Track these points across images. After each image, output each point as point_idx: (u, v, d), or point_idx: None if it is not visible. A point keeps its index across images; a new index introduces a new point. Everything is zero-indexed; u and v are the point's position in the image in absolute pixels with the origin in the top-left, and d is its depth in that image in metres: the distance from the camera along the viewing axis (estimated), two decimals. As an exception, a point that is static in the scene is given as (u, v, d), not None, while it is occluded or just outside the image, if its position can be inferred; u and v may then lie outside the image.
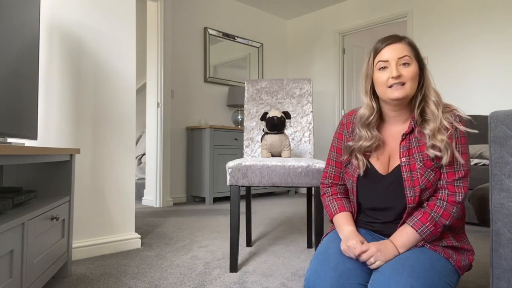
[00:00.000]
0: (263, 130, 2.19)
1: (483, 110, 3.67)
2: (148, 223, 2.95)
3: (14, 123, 1.43)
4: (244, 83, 4.29)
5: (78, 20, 2.06)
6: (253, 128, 2.33)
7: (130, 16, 2.25)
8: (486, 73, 3.73)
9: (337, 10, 5.07)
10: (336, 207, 1.22)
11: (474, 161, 3.14)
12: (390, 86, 1.08)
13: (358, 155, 1.16)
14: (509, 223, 0.88)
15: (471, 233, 2.66)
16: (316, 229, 1.79)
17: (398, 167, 1.12)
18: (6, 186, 1.58)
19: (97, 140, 2.11)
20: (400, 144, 1.12)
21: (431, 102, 1.09)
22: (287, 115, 2.02)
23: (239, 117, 4.68)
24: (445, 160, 1.05)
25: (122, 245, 2.16)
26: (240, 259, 2.00)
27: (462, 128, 1.06)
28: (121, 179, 2.20)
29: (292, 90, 2.36)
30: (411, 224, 1.07)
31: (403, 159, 1.10)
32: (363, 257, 1.03)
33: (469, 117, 1.10)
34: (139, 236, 2.26)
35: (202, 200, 4.32)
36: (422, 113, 1.11)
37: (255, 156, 2.26)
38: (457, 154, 1.05)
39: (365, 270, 1.04)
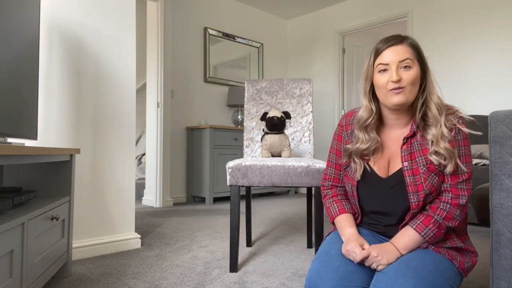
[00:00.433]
0: (263, 130, 2.19)
1: (483, 110, 3.67)
2: (148, 223, 2.95)
3: (14, 123, 1.43)
4: (244, 83, 4.29)
5: (78, 20, 2.06)
6: (253, 128, 2.33)
7: (130, 16, 2.25)
8: (486, 73, 3.73)
9: (337, 10, 5.07)
10: (337, 209, 1.21)
11: (474, 161, 3.13)
12: (390, 90, 1.06)
13: (356, 159, 1.14)
14: (509, 223, 0.88)
15: (471, 233, 2.66)
16: (316, 229, 1.78)
17: (400, 171, 1.10)
18: (6, 186, 1.58)
19: (97, 140, 2.11)
20: (401, 148, 1.10)
21: (433, 106, 1.06)
22: (287, 115, 2.02)
23: (239, 117, 4.68)
24: (449, 169, 1.03)
25: (122, 245, 2.16)
26: (240, 259, 2.00)
27: (465, 130, 1.04)
28: (121, 179, 2.19)
29: (292, 90, 2.36)
30: (413, 227, 1.05)
31: (406, 163, 1.08)
32: (365, 263, 1.03)
33: (472, 118, 1.08)
34: (139, 236, 2.26)
35: (202, 200, 4.32)
36: (424, 117, 1.08)
37: (255, 156, 2.26)
38: (459, 162, 1.04)
39: (367, 272, 1.03)
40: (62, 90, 2.00)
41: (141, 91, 4.94)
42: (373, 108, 1.13)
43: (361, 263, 1.03)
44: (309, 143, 2.27)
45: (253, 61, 5.20)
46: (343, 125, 1.24)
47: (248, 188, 2.31)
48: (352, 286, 0.98)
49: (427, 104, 1.08)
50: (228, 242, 2.36)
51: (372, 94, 1.14)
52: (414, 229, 1.05)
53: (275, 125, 1.98)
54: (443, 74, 3.99)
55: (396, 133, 1.14)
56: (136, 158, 4.98)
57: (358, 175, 1.14)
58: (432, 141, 1.05)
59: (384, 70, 1.07)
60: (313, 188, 1.98)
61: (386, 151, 1.15)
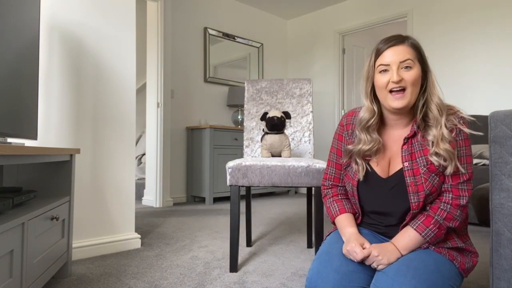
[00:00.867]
0: (263, 130, 2.19)
1: (483, 110, 3.67)
2: (148, 223, 2.95)
3: (14, 123, 1.43)
4: (244, 83, 4.29)
5: (78, 20, 2.06)
6: (253, 128, 2.33)
7: (130, 16, 2.25)
8: (486, 73, 3.73)
9: (337, 10, 5.07)
10: (337, 209, 1.21)
11: (474, 161, 3.14)
12: (391, 91, 1.06)
13: (358, 160, 1.14)
14: (509, 223, 0.88)
15: (471, 233, 2.66)
16: (316, 229, 1.78)
17: (400, 171, 1.10)
18: (6, 186, 1.58)
19: (97, 140, 2.11)
20: (402, 148, 1.10)
21: (433, 107, 1.06)
22: (287, 115, 2.02)
23: (239, 117, 4.68)
24: (449, 170, 1.03)
25: (122, 245, 2.16)
26: (240, 259, 2.00)
27: (466, 130, 1.04)
28: (121, 179, 2.19)
29: (292, 90, 2.36)
30: (414, 227, 1.05)
31: (406, 164, 1.08)
32: (366, 263, 1.03)
33: (473, 119, 1.08)
34: (139, 236, 2.26)
35: (202, 200, 4.32)
36: (425, 118, 1.08)
37: (255, 156, 2.26)
38: (458, 164, 1.03)
39: (368, 272, 1.03)
40: (62, 90, 2.00)
41: (141, 91, 4.94)
42: (375, 109, 1.13)
43: (362, 262, 1.03)
44: (309, 143, 2.27)
45: (253, 61, 5.20)
46: (344, 124, 1.24)
47: (248, 188, 2.31)
48: (352, 286, 0.98)
49: (427, 104, 1.08)
50: (228, 242, 2.36)
51: (374, 95, 1.14)
52: (414, 229, 1.05)
53: (275, 125, 1.98)
54: (443, 74, 3.99)
55: (397, 133, 1.14)
56: (136, 158, 4.98)
57: (360, 176, 1.14)
58: (432, 142, 1.05)
59: (385, 70, 1.07)
60: (313, 188, 1.98)
61: (387, 152, 1.14)
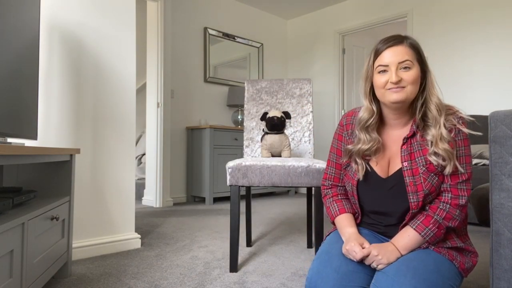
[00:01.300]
0: (263, 130, 2.19)
1: (483, 110, 3.67)
2: (148, 223, 2.95)
3: (14, 123, 1.43)
4: (244, 83, 4.29)
5: (78, 20, 2.06)
6: (253, 128, 2.33)
7: (130, 16, 2.25)
8: (486, 73, 3.73)
9: (337, 10, 5.07)
10: (337, 209, 1.21)
11: (474, 161, 3.13)
12: (390, 89, 1.06)
13: (357, 159, 1.14)
14: (509, 223, 0.88)
15: (471, 233, 2.66)
16: (316, 229, 1.78)
17: (399, 171, 1.10)
18: (6, 186, 1.58)
19: (97, 140, 2.11)
20: (401, 148, 1.10)
21: (432, 107, 1.06)
22: (287, 115, 2.02)
23: (239, 117, 4.68)
24: (448, 170, 1.03)
25: (122, 245, 2.16)
26: (240, 259, 2.00)
27: (465, 130, 1.04)
28: (121, 179, 2.19)
29: (292, 90, 2.36)
30: (413, 227, 1.05)
31: (405, 164, 1.08)
32: (365, 262, 1.03)
33: (472, 119, 1.08)
34: (139, 236, 2.26)
35: (202, 200, 4.32)
36: (424, 118, 1.08)
37: (255, 156, 2.26)
38: (457, 164, 1.04)
39: (368, 272, 1.03)
40: (62, 90, 2.00)
41: (141, 91, 4.94)
42: (374, 108, 1.13)
43: (361, 262, 1.03)
44: (309, 143, 2.27)
45: (253, 61, 5.20)
46: (344, 124, 1.24)
47: (248, 188, 2.31)
48: (352, 286, 0.98)
49: (426, 104, 1.08)
50: (228, 242, 2.36)
51: (373, 94, 1.14)
52: (414, 229, 1.05)
53: (275, 125, 1.98)
54: (443, 74, 3.99)
55: (396, 133, 1.15)
56: (136, 158, 4.98)
57: (360, 175, 1.14)
58: (431, 142, 1.05)
59: (384, 71, 1.07)
60: (313, 188, 1.98)
61: (387, 151, 1.15)
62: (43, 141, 1.93)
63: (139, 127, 5.07)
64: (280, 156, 2.02)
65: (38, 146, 1.72)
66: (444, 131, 1.03)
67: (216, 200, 4.32)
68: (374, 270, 1.04)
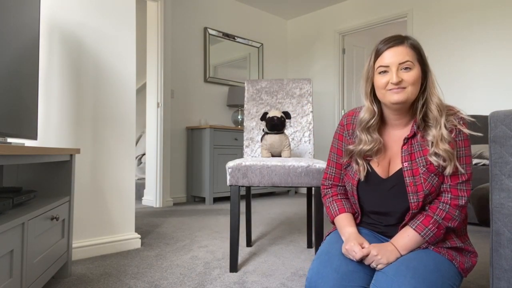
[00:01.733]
0: (263, 130, 2.19)
1: (483, 110, 3.67)
2: (148, 223, 2.95)
3: (14, 123, 1.43)
4: (244, 83, 4.29)
5: (78, 20, 2.06)
6: (253, 128, 2.33)
7: (130, 16, 2.25)
8: (486, 72, 3.73)
9: (337, 10, 5.07)
10: (336, 208, 1.21)
11: (474, 161, 3.13)
12: (390, 90, 1.06)
13: (359, 160, 1.14)
14: (509, 223, 0.88)
15: (471, 233, 2.66)
16: (316, 229, 1.78)
17: (400, 171, 1.10)
18: (6, 186, 1.58)
19: (97, 140, 2.11)
20: (401, 148, 1.10)
21: (433, 107, 1.06)
22: (287, 115, 2.02)
23: (239, 117, 4.68)
24: (448, 170, 1.03)
25: (122, 245, 2.16)
26: (240, 259, 2.00)
27: (465, 131, 1.04)
28: (121, 179, 2.19)
29: (292, 90, 2.36)
30: (413, 227, 1.05)
31: (405, 164, 1.08)
32: (365, 262, 1.03)
33: (472, 119, 1.08)
34: (139, 236, 2.26)
35: (202, 200, 4.32)
36: (425, 118, 1.08)
37: (255, 156, 2.26)
38: (458, 164, 1.04)
39: (367, 272, 1.03)
40: (62, 90, 2.00)
41: (141, 91, 4.94)
42: (375, 109, 1.13)
43: (361, 262, 1.03)
44: (309, 143, 2.27)
45: (253, 61, 5.20)
46: (344, 124, 1.24)
47: (248, 188, 2.31)
48: (352, 286, 0.98)
49: (427, 104, 1.08)
50: (228, 242, 2.36)
51: (374, 95, 1.14)
52: (414, 229, 1.05)
53: (275, 125, 1.98)
54: (443, 73, 3.99)
55: (397, 133, 1.15)
56: (136, 158, 4.98)
57: (361, 176, 1.14)
58: (432, 142, 1.05)
59: (385, 71, 1.07)
60: (313, 188, 1.98)
61: (388, 152, 1.15)
62: (43, 141, 1.93)
63: (139, 127, 5.07)
64: (280, 156, 2.02)
65: (38, 146, 1.72)
66: (445, 132, 1.03)
67: (216, 200, 4.32)
68: (374, 270, 1.04)
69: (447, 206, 1.05)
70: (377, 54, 1.09)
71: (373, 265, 1.02)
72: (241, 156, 4.36)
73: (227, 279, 1.68)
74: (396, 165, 1.12)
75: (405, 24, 4.39)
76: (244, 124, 2.34)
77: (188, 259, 1.99)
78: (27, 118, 1.57)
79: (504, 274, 0.90)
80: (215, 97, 4.71)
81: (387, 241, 1.11)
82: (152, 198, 4.00)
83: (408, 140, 1.10)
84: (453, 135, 1.05)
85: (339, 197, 1.24)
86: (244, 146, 2.31)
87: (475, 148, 3.18)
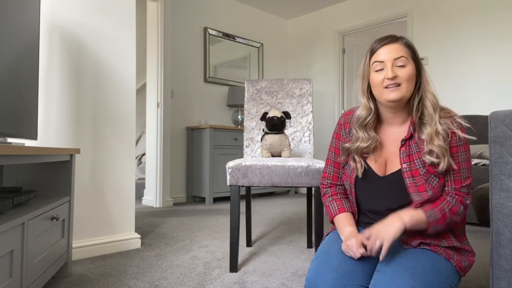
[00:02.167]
0: (263, 130, 2.19)
1: (483, 110, 3.67)
2: (148, 223, 2.95)
3: (14, 123, 1.43)
4: (244, 83, 4.29)
5: (78, 20, 2.06)
6: (253, 128, 2.33)
7: (130, 16, 2.25)
8: (487, 73, 3.73)
9: (337, 10, 5.07)
10: (336, 208, 1.22)
11: (474, 161, 3.14)
12: (386, 87, 1.07)
13: (356, 157, 1.16)
14: (509, 223, 0.88)
15: (471, 233, 2.66)
16: (316, 229, 1.78)
17: (398, 172, 1.11)
18: (6, 186, 1.58)
19: (97, 140, 2.11)
20: (400, 150, 1.11)
21: (428, 104, 1.08)
22: (287, 115, 2.02)
23: (239, 117, 4.68)
24: (441, 166, 1.04)
25: (122, 245, 2.16)
26: (240, 259, 2.00)
27: (462, 135, 1.06)
28: (121, 179, 2.19)
29: (292, 90, 2.36)
30: (420, 207, 1.06)
31: (405, 165, 1.09)
32: (369, 253, 1.02)
33: (468, 125, 1.10)
34: (139, 236, 2.26)
35: (202, 200, 4.32)
36: (421, 116, 1.10)
37: (255, 156, 2.26)
38: (451, 160, 1.05)
39: (367, 271, 1.04)
40: (62, 90, 2.00)
41: (141, 91, 4.94)
42: (372, 106, 1.15)
43: (361, 260, 1.04)
44: (309, 143, 2.27)
45: (253, 61, 5.20)
46: (342, 123, 1.26)
47: (248, 188, 2.31)
48: (351, 285, 0.99)
49: (422, 101, 1.10)
50: (228, 242, 2.36)
51: (370, 93, 1.15)
52: (421, 209, 1.05)
53: (275, 125, 1.98)
54: (443, 73, 3.99)
55: (393, 131, 1.16)
56: (136, 158, 4.98)
57: (359, 173, 1.15)
58: (426, 141, 1.06)
59: (380, 69, 1.09)
60: (313, 188, 1.98)
61: (384, 150, 1.16)
62: (43, 141, 1.93)
63: (139, 127, 5.07)
64: (280, 156, 2.02)
65: (38, 146, 1.72)
66: (439, 127, 1.05)
67: (216, 200, 4.32)
68: (373, 269, 1.05)
69: (454, 200, 1.06)
70: (372, 52, 1.12)
71: (376, 247, 1.00)
72: (241, 156, 4.36)
73: (227, 279, 1.68)
74: (394, 165, 1.13)
75: (405, 24, 4.39)
76: (244, 124, 2.34)
77: (188, 259, 1.99)
78: (27, 118, 1.57)
79: (504, 274, 0.90)
80: (215, 97, 4.71)
81: None
82: (152, 198, 4.00)
83: (405, 141, 1.11)
84: (452, 140, 1.06)
85: (339, 196, 1.25)
86: (244, 146, 2.31)
87: (475, 148, 3.19)
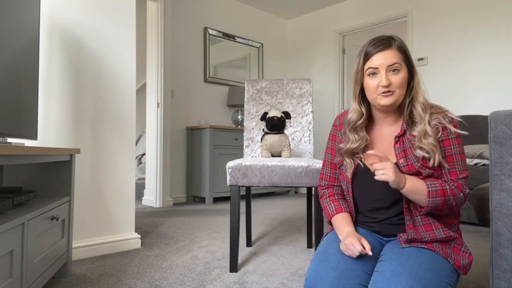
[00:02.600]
0: (263, 130, 2.19)
1: (483, 110, 3.67)
2: (148, 223, 2.95)
3: (14, 123, 1.43)
4: (244, 83, 4.29)
5: (78, 20, 2.06)
6: (253, 128, 2.33)
7: (130, 16, 2.25)
8: (486, 72, 3.73)
9: (337, 10, 5.07)
10: (333, 208, 1.24)
11: (474, 161, 3.14)
12: (380, 94, 1.10)
13: (347, 158, 1.19)
14: (509, 223, 0.88)
15: (471, 233, 2.66)
16: (316, 229, 1.79)
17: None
18: (6, 186, 1.58)
19: (97, 140, 2.11)
20: (394, 147, 1.14)
21: (418, 105, 1.11)
22: (287, 115, 2.02)
23: (239, 117, 4.68)
24: (432, 162, 1.07)
25: (122, 245, 2.16)
26: (240, 259, 2.00)
27: (453, 129, 1.09)
28: (121, 179, 2.20)
29: (292, 90, 2.36)
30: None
31: (401, 161, 1.12)
32: (374, 166, 1.02)
33: (460, 119, 1.13)
34: (139, 236, 2.26)
35: (202, 200, 4.32)
36: (411, 115, 1.13)
37: (255, 156, 2.26)
38: (441, 158, 1.07)
39: (366, 270, 1.04)
40: (62, 90, 2.00)
41: (141, 91, 4.94)
42: (363, 110, 1.18)
43: (359, 259, 1.05)
44: (309, 143, 2.27)
45: (253, 61, 5.20)
46: (337, 125, 1.29)
47: (248, 188, 2.31)
48: (350, 284, 1.00)
49: (413, 103, 1.13)
50: (228, 242, 2.36)
51: (362, 96, 1.19)
52: (423, 181, 1.06)
53: (275, 125, 1.98)
54: (443, 73, 3.99)
55: (385, 130, 1.19)
56: (136, 158, 4.98)
57: (349, 174, 1.19)
58: (417, 138, 1.10)
59: (374, 73, 1.12)
60: (313, 188, 1.98)
61: (376, 148, 1.19)
62: (43, 141, 1.93)
63: (139, 127, 5.07)
64: (280, 156, 2.02)
65: (38, 146, 1.72)
66: (428, 128, 1.08)
67: (216, 200, 4.32)
68: (372, 268, 1.06)
69: (455, 185, 1.08)
70: (366, 57, 1.13)
71: (380, 172, 1.01)
72: (241, 156, 4.36)
73: (227, 279, 1.68)
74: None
75: (405, 24, 4.39)
76: (244, 124, 2.34)
77: (188, 259, 1.99)
78: (27, 118, 1.57)
79: (504, 274, 0.90)
80: (215, 97, 4.71)
81: (383, 240, 1.16)
82: (152, 198, 4.00)
83: (399, 138, 1.14)
84: (442, 134, 1.09)
85: (336, 197, 1.27)
86: (244, 146, 2.31)
87: (475, 148, 3.19)
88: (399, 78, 1.10)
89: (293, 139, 2.29)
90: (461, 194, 1.07)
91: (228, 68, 4.90)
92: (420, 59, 4.16)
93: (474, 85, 3.80)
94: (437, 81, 4.04)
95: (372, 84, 1.12)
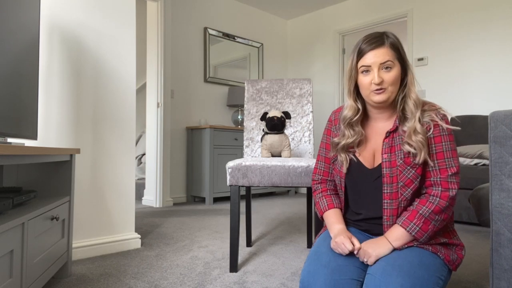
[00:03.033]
0: (263, 130, 2.19)
1: (483, 110, 3.67)
2: (148, 223, 2.95)
3: (14, 123, 1.43)
4: (244, 83, 4.29)
5: (79, 20, 2.06)
6: (253, 128, 2.33)
7: (130, 16, 2.25)
8: (486, 72, 3.73)
9: (337, 10, 5.07)
10: (325, 204, 1.25)
11: (474, 161, 3.14)
12: (372, 90, 1.11)
13: (342, 153, 1.20)
14: (509, 223, 0.88)
15: (471, 233, 2.66)
16: (316, 229, 1.79)
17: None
18: (6, 186, 1.58)
19: (97, 140, 2.11)
20: (383, 141, 1.15)
21: (410, 102, 1.12)
22: (287, 115, 2.02)
23: (239, 117, 4.68)
24: (418, 159, 1.07)
25: (122, 245, 2.16)
26: (240, 259, 2.00)
27: (445, 126, 1.09)
28: (121, 179, 2.20)
29: (292, 90, 2.36)
30: (400, 223, 1.09)
31: (385, 155, 1.13)
32: (357, 255, 1.07)
33: (453, 115, 1.15)
34: (139, 236, 2.26)
35: (202, 200, 4.32)
36: (404, 111, 1.14)
37: (255, 156, 2.26)
38: (427, 156, 1.07)
39: (357, 265, 1.06)
40: (62, 90, 2.00)
41: (141, 91, 4.94)
42: (359, 106, 1.19)
43: (350, 255, 1.07)
44: (309, 143, 2.27)
45: (253, 61, 5.20)
46: (332, 120, 1.31)
47: (248, 188, 2.31)
48: (343, 279, 1.01)
49: (405, 99, 1.14)
50: (228, 242, 2.36)
51: (357, 93, 1.20)
52: (400, 225, 1.08)
53: (275, 125, 1.98)
54: (443, 73, 3.99)
55: (379, 126, 1.20)
56: (136, 158, 4.98)
57: (344, 169, 1.19)
58: (407, 134, 1.10)
59: (367, 71, 1.13)
60: (313, 188, 1.97)
61: (370, 143, 1.19)
62: (43, 141, 1.93)
63: (139, 127, 5.07)
64: (280, 156, 2.02)
65: (38, 146, 1.72)
66: (418, 126, 1.08)
67: (216, 200, 4.32)
68: (364, 263, 1.07)
69: (437, 199, 1.07)
70: (359, 55, 1.14)
71: (363, 259, 1.06)
72: (241, 156, 4.36)
73: (227, 279, 1.68)
74: (380, 158, 1.16)
75: (405, 24, 4.39)
76: (244, 124, 2.34)
77: (188, 259, 1.99)
78: (27, 118, 1.57)
79: (504, 274, 0.90)
80: (215, 97, 4.71)
81: (372, 238, 1.16)
82: (152, 198, 4.00)
83: (390, 133, 1.15)
84: (434, 130, 1.09)
85: (329, 192, 1.28)
86: (244, 146, 2.31)
87: (475, 148, 3.19)
88: (391, 75, 1.10)
89: (293, 139, 2.29)
90: (447, 203, 1.06)
91: (228, 68, 4.90)
92: (420, 59, 4.16)
93: (474, 85, 3.80)
94: (437, 81, 4.04)
95: (365, 81, 1.13)
